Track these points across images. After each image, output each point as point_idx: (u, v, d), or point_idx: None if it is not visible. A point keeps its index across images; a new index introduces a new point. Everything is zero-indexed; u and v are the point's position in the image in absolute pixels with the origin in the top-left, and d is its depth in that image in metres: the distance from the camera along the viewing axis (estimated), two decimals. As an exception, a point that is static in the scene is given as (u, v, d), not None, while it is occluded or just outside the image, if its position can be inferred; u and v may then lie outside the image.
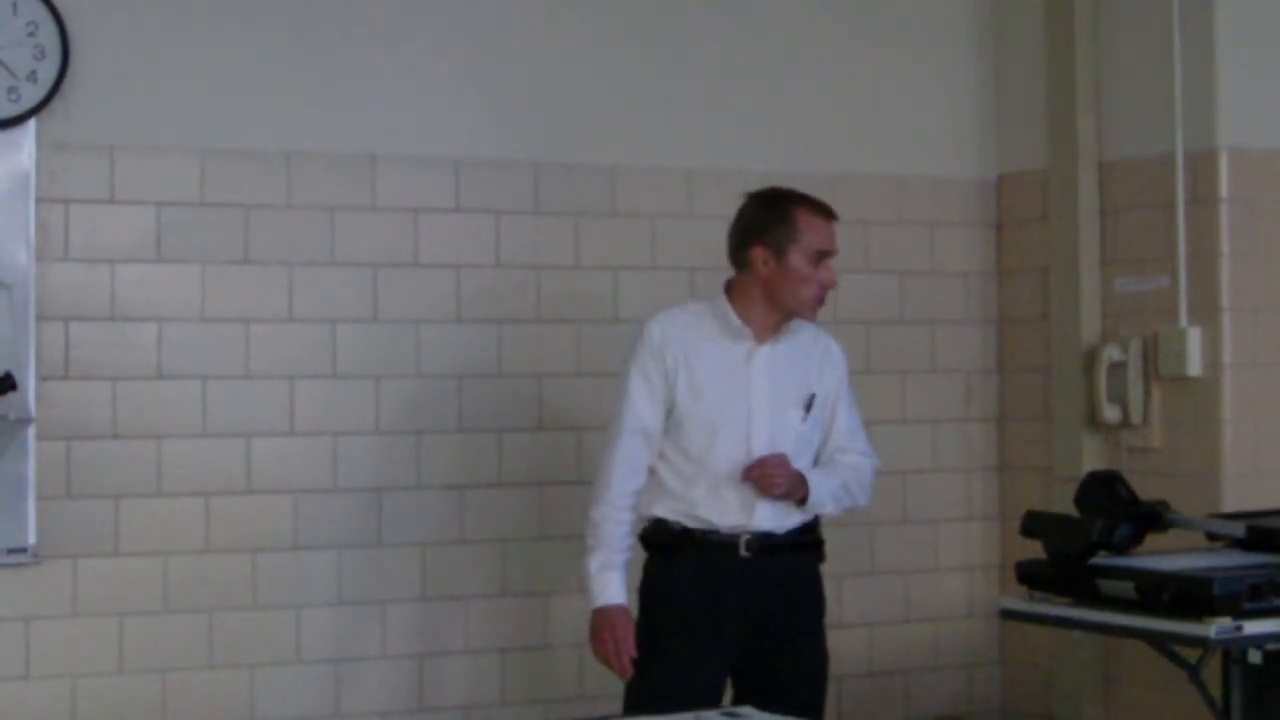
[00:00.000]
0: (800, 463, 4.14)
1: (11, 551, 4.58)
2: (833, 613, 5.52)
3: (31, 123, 4.64)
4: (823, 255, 4.13)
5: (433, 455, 5.06)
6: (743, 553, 4.09)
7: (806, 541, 4.21)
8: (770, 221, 4.13)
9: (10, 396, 4.47)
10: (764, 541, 4.10)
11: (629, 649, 4.08)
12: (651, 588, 4.18)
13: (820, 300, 4.16)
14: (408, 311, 5.05)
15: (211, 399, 4.83)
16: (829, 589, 5.55)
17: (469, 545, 5.05)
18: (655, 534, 4.16)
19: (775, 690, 4.01)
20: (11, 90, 4.60)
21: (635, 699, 4.12)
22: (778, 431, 4.12)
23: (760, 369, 4.14)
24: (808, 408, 4.18)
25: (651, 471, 4.14)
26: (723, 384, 4.11)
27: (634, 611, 4.16)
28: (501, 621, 5.12)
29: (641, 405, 4.11)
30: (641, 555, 4.20)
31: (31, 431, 4.59)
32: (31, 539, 4.60)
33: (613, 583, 4.08)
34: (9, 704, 4.59)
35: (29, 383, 4.56)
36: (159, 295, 4.79)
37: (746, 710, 3.40)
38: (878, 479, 4.39)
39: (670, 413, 4.11)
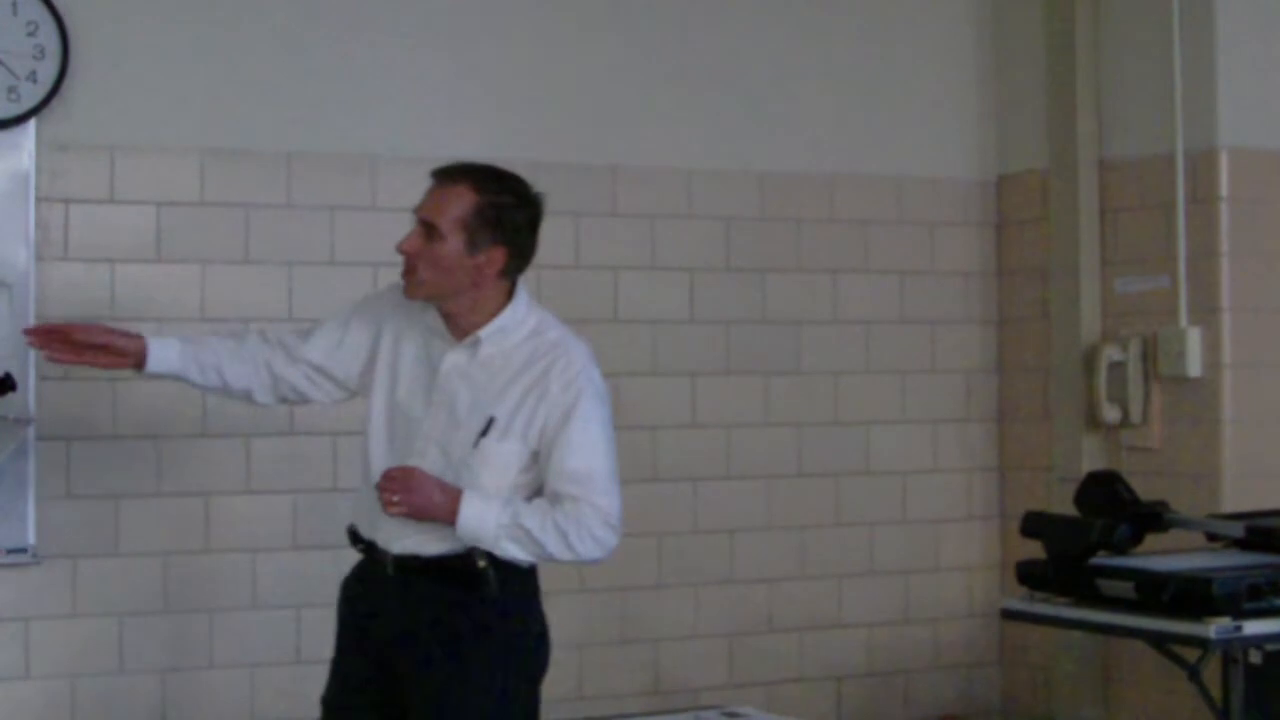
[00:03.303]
0: (476, 488, 3.55)
1: (11, 551, 4.58)
2: (832, 613, 5.58)
3: (31, 123, 4.63)
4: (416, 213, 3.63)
5: (433, 455, 5.06)
6: (388, 571, 3.64)
7: (460, 569, 3.59)
8: None
9: (10, 396, 4.47)
10: (410, 561, 3.61)
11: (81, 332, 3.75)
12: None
13: (405, 272, 3.63)
14: (408, 311, 5.04)
15: (211, 399, 4.82)
16: (829, 589, 5.58)
17: (469, 545, 5.05)
18: (348, 534, 3.82)
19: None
20: (11, 90, 4.60)
21: None
22: (441, 448, 3.60)
23: (446, 373, 3.62)
24: (484, 431, 3.57)
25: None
26: (411, 386, 3.66)
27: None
28: (501, 621, 5.11)
29: (328, 324, 3.83)
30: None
31: (31, 431, 4.58)
32: (31, 539, 4.60)
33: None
34: (9, 704, 4.59)
35: (29, 383, 4.56)
36: (159, 295, 4.78)
37: (747, 710, 3.41)
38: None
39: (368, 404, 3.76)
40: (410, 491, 3.52)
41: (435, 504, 3.52)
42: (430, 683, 3.59)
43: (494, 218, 3.62)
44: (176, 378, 3.78)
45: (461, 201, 3.59)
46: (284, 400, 3.90)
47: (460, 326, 3.63)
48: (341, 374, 3.80)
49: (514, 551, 3.55)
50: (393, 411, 3.68)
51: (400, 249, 3.60)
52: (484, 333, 3.62)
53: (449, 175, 3.64)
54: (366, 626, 3.69)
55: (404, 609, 3.62)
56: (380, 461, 3.66)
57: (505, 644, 3.65)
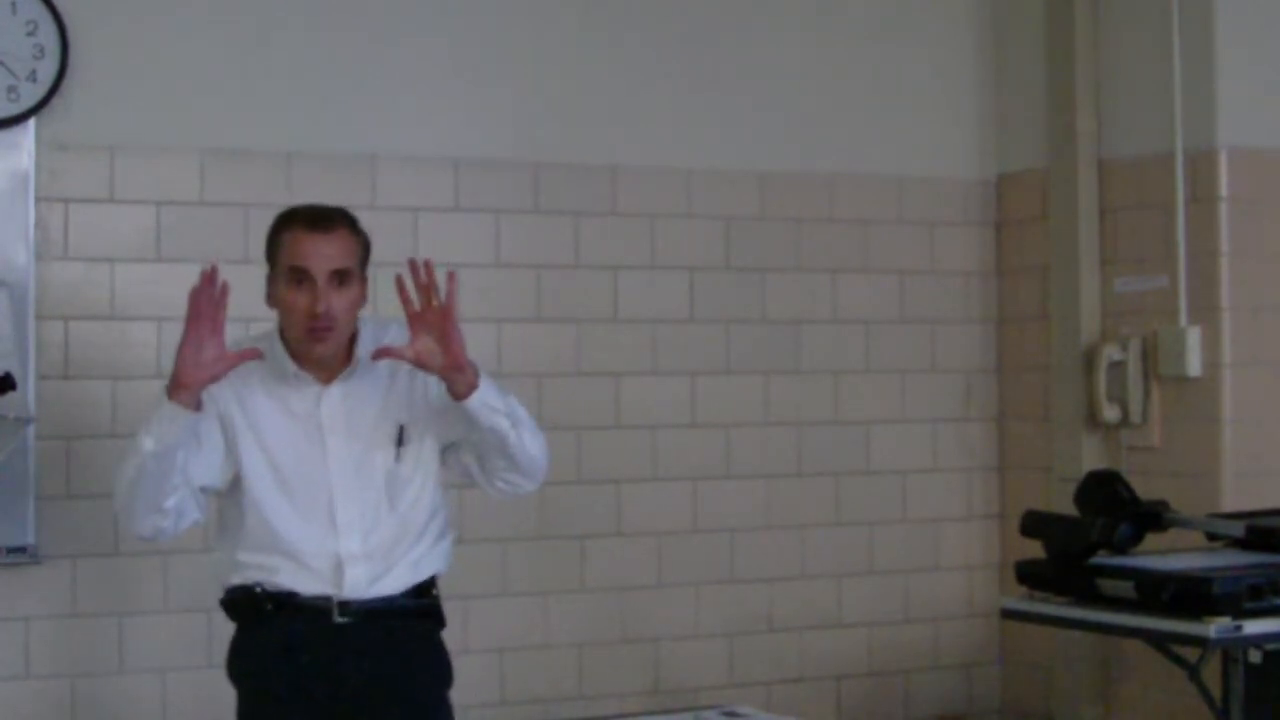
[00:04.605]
0: (405, 507, 3.60)
1: (11, 551, 4.58)
2: (832, 613, 5.58)
3: (31, 122, 4.64)
4: (299, 274, 3.49)
5: (433, 455, 5.06)
6: (337, 618, 3.54)
7: (417, 607, 3.64)
8: (268, 247, 3.59)
9: (10, 396, 4.46)
10: (364, 608, 3.55)
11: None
12: (236, 664, 3.70)
13: (312, 332, 3.49)
14: (407, 311, 5.04)
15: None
16: (829, 589, 5.56)
17: (470, 544, 5.02)
18: (236, 602, 3.64)
19: None
20: (11, 90, 4.60)
21: None
22: (364, 481, 3.56)
23: (333, 413, 3.56)
24: (400, 441, 3.59)
25: (225, 538, 3.64)
26: (293, 442, 3.55)
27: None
28: (501, 621, 5.12)
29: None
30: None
31: (31, 431, 4.58)
32: (31, 539, 4.60)
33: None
34: (9, 704, 4.59)
35: (29, 382, 4.56)
36: (159, 295, 4.78)
37: (747, 710, 3.41)
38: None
39: (241, 480, 3.56)
40: (451, 321, 3.45)
41: (463, 349, 3.47)
42: None
43: (367, 250, 3.63)
44: (175, 443, 3.44)
45: (351, 243, 3.58)
46: (176, 529, 3.57)
47: (328, 365, 3.57)
48: (220, 480, 3.58)
49: (525, 427, 3.59)
50: (278, 470, 3.55)
51: (329, 312, 3.48)
52: (361, 358, 3.58)
53: (327, 223, 3.55)
54: (318, 688, 3.55)
55: (373, 655, 3.56)
56: (287, 522, 3.54)
57: (451, 676, 3.76)
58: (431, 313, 3.46)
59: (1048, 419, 5.63)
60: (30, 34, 4.61)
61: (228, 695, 4.86)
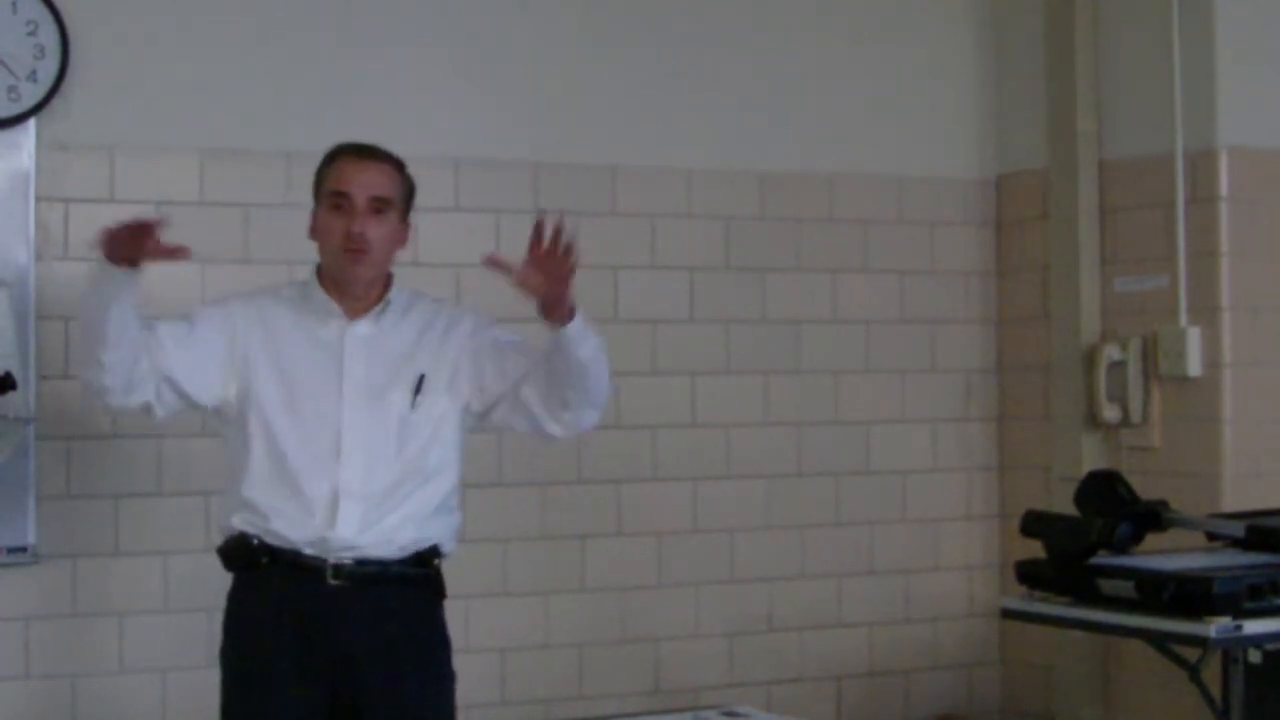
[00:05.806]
0: (411, 454, 3.63)
1: (11, 551, 4.58)
2: (832, 613, 5.58)
3: (31, 122, 4.64)
4: (339, 199, 3.63)
5: (433, 455, 5.05)
6: (330, 580, 3.55)
7: (414, 575, 3.65)
8: (315, 181, 3.73)
9: (10, 396, 4.47)
10: (359, 571, 3.56)
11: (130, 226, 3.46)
12: (229, 619, 3.69)
13: (349, 251, 3.61)
14: (408, 311, 5.04)
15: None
16: (829, 589, 5.56)
17: (470, 544, 4.99)
18: (232, 550, 3.65)
19: None
20: (11, 90, 4.60)
21: None
22: (375, 419, 3.61)
23: (355, 349, 3.63)
24: (417, 390, 3.64)
25: (230, 477, 3.69)
26: (311, 369, 3.63)
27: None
28: (501, 621, 5.12)
29: (165, 325, 3.66)
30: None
31: (31, 431, 4.58)
32: (31, 539, 4.60)
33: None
34: (9, 704, 4.59)
35: (29, 382, 4.55)
36: (159, 294, 4.74)
37: (747, 710, 3.41)
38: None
39: (251, 404, 3.62)
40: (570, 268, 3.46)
41: (571, 289, 3.50)
42: (404, 700, 3.60)
43: (410, 194, 3.80)
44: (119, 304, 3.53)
45: (394, 178, 3.73)
46: (125, 401, 3.66)
47: (361, 301, 3.69)
48: (197, 386, 3.66)
49: (602, 364, 3.64)
50: (291, 392, 3.62)
51: (364, 234, 3.62)
52: (392, 298, 3.71)
53: (373, 155, 3.72)
54: (308, 650, 3.55)
55: (365, 622, 3.57)
56: (292, 444, 3.58)
57: (449, 645, 3.77)
58: (554, 256, 3.43)
59: (1048, 419, 5.63)
60: (30, 34, 4.61)
61: (228, 695, 4.85)
